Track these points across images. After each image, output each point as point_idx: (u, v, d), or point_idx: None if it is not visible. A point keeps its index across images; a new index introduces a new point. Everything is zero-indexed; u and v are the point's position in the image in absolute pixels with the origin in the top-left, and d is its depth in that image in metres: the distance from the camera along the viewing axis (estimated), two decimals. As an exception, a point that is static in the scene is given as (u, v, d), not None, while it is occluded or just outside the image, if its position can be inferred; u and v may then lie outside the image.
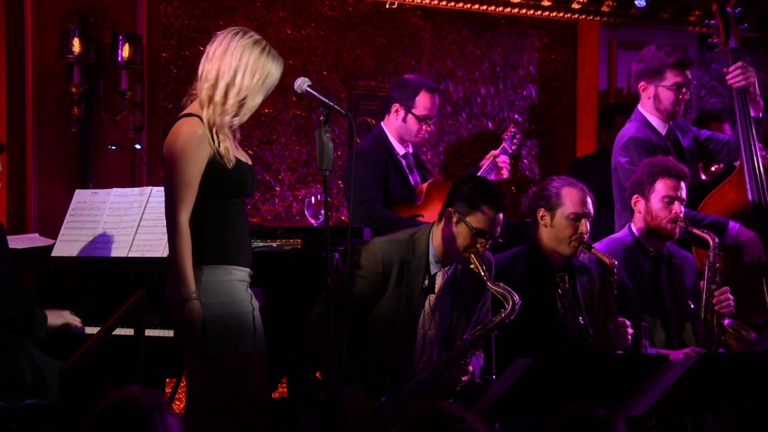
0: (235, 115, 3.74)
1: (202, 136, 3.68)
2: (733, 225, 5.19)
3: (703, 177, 6.14)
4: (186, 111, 3.77)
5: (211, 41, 3.78)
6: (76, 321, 4.51)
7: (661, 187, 4.83)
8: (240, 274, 3.77)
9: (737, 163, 5.47)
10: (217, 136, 3.71)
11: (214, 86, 3.71)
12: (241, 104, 3.73)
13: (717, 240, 4.83)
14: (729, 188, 5.39)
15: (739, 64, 5.35)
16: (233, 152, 3.76)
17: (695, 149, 5.51)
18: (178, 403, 5.60)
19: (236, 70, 3.70)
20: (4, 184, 5.51)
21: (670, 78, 5.36)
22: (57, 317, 4.44)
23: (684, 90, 5.36)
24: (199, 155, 3.68)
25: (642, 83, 5.45)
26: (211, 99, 3.71)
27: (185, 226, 3.65)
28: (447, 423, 2.50)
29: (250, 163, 3.88)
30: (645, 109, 5.45)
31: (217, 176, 3.71)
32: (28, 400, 4.15)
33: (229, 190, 3.76)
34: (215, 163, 3.70)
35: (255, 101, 3.76)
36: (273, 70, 3.76)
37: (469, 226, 4.19)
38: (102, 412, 2.32)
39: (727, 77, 5.39)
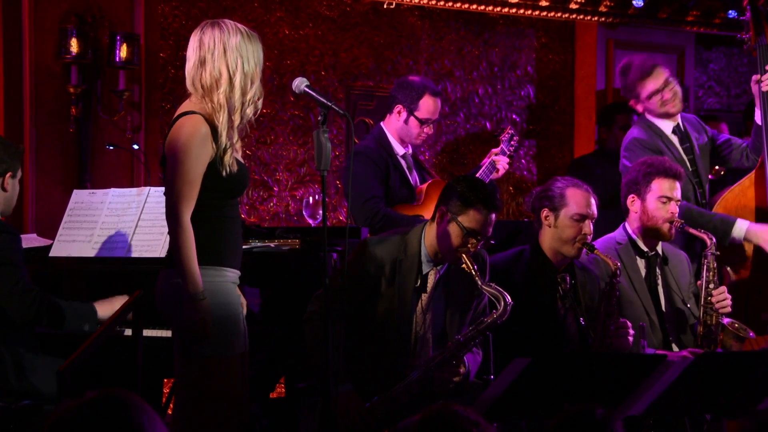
0: (254, 104, 3.73)
1: (205, 134, 3.63)
2: (742, 223, 5.18)
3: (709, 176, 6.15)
4: (185, 109, 3.70)
5: (195, 47, 3.70)
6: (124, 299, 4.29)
7: (657, 187, 4.84)
8: (232, 276, 3.75)
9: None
10: (228, 137, 3.67)
11: (231, 86, 3.66)
12: (253, 92, 3.72)
13: (714, 239, 4.84)
14: (749, 184, 5.40)
15: None
16: (238, 153, 3.75)
17: (709, 149, 5.53)
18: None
19: (243, 63, 3.68)
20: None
21: (644, 90, 5.44)
22: (107, 308, 4.28)
23: (665, 90, 5.39)
24: (202, 153, 3.62)
25: (631, 101, 5.56)
26: (228, 101, 3.66)
27: (189, 225, 3.59)
28: (461, 426, 2.49)
29: (242, 161, 3.86)
30: (645, 113, 5.49)
31: (216, 177, 3.66)
32: (26, 401, 4.15)
33: (226, 191, 3.72)
34: (215, 164, 3.66)
35: (256, 84, 3.74)
36: (260, 49, 3.76)
37: (461, 226, 4.17)
38: (84, 407, 2.25)
39: (762, 83, 5.36)
